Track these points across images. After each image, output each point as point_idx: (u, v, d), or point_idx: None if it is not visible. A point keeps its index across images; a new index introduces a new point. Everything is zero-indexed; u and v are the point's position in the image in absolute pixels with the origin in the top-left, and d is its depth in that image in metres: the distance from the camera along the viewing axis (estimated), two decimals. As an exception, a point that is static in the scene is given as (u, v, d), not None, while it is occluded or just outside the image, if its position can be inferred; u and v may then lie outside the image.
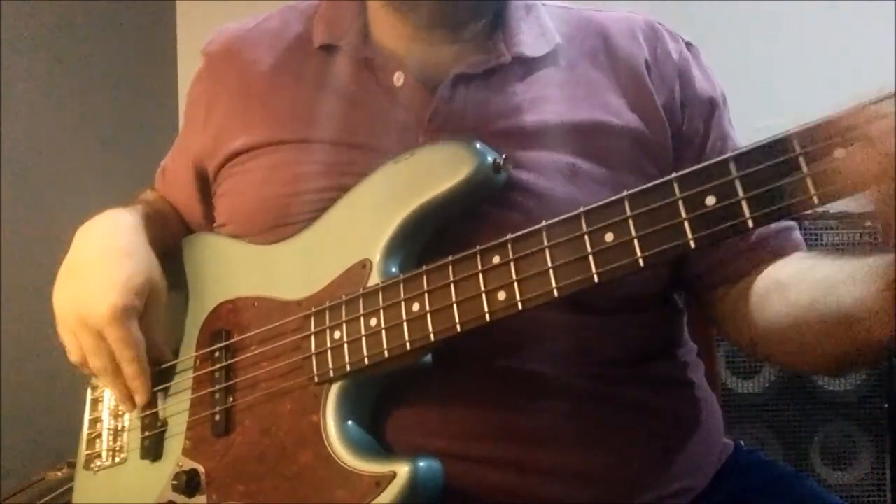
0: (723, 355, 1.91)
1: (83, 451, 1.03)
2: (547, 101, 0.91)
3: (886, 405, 1.95)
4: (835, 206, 2.27)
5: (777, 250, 0.91)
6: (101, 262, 0.93)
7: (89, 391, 1.06)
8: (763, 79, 2.29)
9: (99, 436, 1.02)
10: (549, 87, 0.92)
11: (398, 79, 0.92)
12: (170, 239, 1.04)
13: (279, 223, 0.91)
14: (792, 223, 0.94)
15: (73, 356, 0.95)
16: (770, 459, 1.01)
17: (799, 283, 0.84)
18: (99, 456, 1.01)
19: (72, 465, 1.67)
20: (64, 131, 2.22)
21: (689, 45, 1.00)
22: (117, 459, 0.99)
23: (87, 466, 1.02)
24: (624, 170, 0.88)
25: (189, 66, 1.09)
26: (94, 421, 1.04)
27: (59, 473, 1.69)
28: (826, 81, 2.36)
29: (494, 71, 0.92)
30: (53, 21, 2.24)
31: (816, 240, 1.98)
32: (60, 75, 2.25)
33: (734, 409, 1.92)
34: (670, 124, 0.93)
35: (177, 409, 0.95)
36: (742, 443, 1.00)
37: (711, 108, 0.96)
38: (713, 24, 2.32)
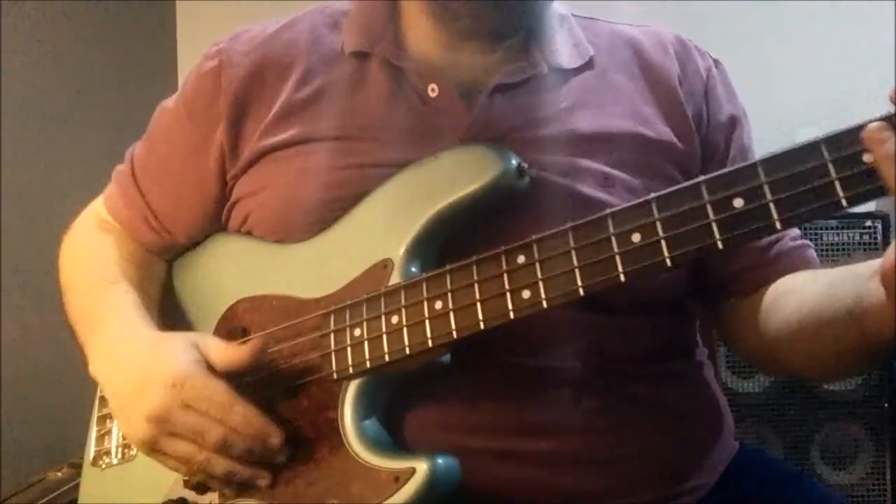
0: (723, 355, 1.91)
1: (91, 448, 1.03)
2: (581, 111, 0.92)
3: (887, 405, 1.95)
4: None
5: (792, 265, 0.93)
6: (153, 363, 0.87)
7: (99, 388, 1.05)
8: (762, 78, 2.29)
9: (108, 433, 1.02)
10: (583, 97, 0.93)
11: (433, 90, 0.91)
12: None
13: (306, 228, 0.91)
14: (807, 241, 0.96)
15: (183, 466, 0.85)
16: (774, 459, 1.02)
17: (805, 289, 0.86)
18: (108, 453, 1.01)
19: (72, 466, 1.67)
20: (64, 131, 2.22)
21: (716, 62, 1.01)
22: (126, 456, 0.99)
23: (95, 463, 1.02)
24: (657, 180, 0.89)
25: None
26: (103, 418, 1.03)
27: (59, 473, 1.69)
28: (825, 81, 2.37)
29: (530, 80, 0.92)
30: (53, 21, 2.23)
31: (816, 240, 1.98)
32: (60, 75, 2.25)
33: (734, 409, 1.89)
34: (697, 137, 0.95)
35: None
36: (744, 443, 1.00)
37: (732, 125, 0.98)
38: (713, 23, 2.31)
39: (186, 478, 0.88)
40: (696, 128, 0.95)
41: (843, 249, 1.99)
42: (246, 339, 0.91)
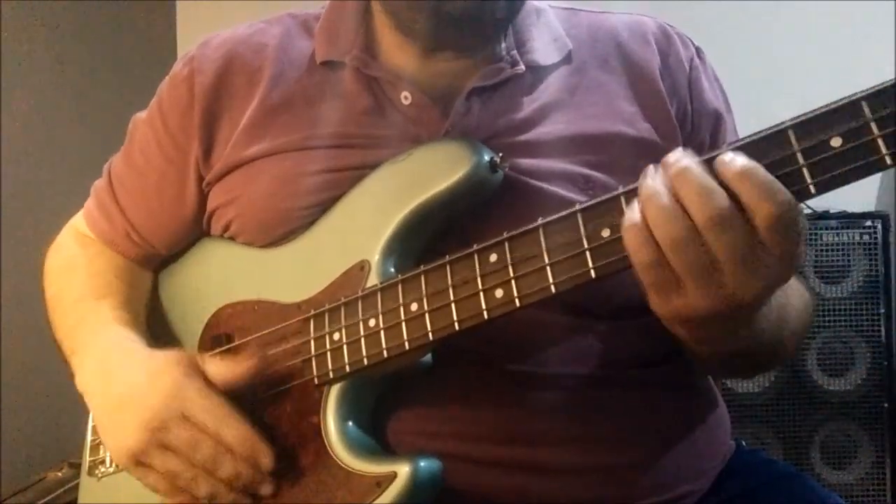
0: (723, 355, 1.91)
1: (87, 458, 1.03)
2: (560, 111, 0.90)
3: (886, 405, 1.96)
4: (835, 206, 2.27)
5: None
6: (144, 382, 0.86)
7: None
8: (762, 77, 2.29)
9: (102, 442, 1.02)
10: (561, 96, 0.91)
11: (406, 98, 0.90)
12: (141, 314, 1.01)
13: (288, 234, 0.90)
14: None
15: (164, 483, 0.84)
16: (771, 459, 1.01)
17: None
18: (103, 462, 1.00)
19: (72, 466, 1.68)
20: (64, 131, 2.23)
21: (699, 50, 0.99)
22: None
23: (90, 473, 1.01)
24: (637, 179, 0.88)
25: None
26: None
27: (59, 473, 1.69)
28: (824, 81, 2.36)
29: (507, 82, 0.90)
30: (53, 21, 2.24)
31: (817, 240, 1.98)
32: (60, 75, 2.25)
33: (734, 409, 1.92)
34: (680, 132, 0.93)
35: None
36: (743, 442, 1.00)
37: (717, 120, 0.96)
38: (713, 21, 2.31)
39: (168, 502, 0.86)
40: (680, 124, 0.93)
41: (843, 249, 1.99)
42: (234, 344, 0.91)
